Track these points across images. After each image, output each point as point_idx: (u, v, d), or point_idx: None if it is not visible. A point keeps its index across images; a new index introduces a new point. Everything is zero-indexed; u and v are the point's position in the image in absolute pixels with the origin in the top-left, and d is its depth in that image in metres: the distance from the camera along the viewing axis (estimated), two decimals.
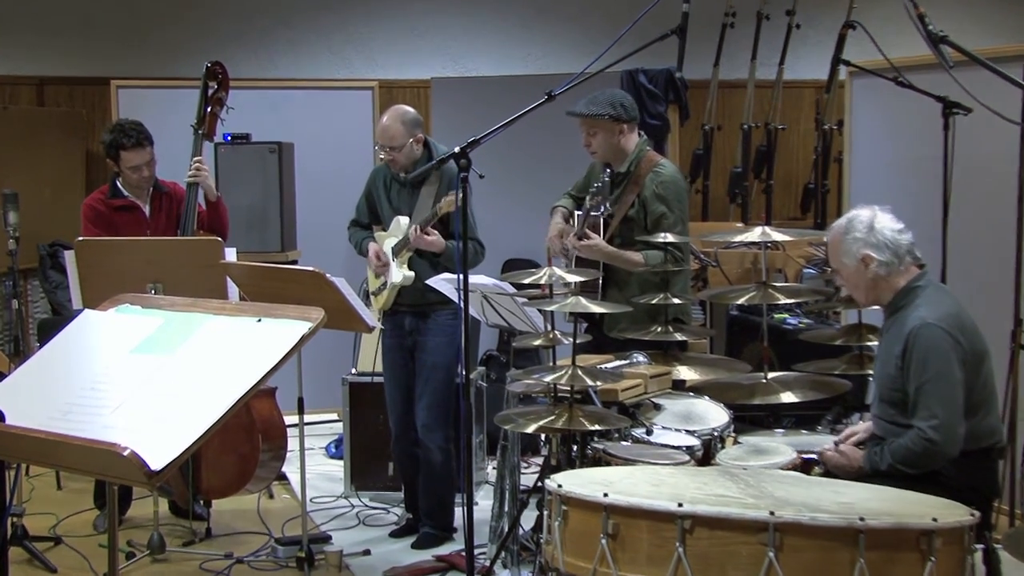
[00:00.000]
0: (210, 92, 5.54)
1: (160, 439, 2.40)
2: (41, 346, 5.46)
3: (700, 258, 6.66)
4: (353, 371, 6.02)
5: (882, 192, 5.35)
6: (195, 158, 5.39)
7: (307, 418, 4.94)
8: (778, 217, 8.61)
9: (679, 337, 4.52)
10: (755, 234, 4.36)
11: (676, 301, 4.50)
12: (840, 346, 4.50)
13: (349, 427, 5.94)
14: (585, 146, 4.91)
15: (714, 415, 4.32)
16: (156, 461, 2.35)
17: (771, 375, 4.34)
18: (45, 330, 6.99)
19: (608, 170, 4.81)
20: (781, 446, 4.05)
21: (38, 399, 2.72)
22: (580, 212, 4.90)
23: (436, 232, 4.95)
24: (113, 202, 5.34)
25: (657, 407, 4.34)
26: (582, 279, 4.17)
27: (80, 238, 4.99)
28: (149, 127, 5.38)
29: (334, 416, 7.04)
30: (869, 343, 4.40)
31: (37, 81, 8.39)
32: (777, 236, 4.42)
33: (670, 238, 4.52)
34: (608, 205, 4.74)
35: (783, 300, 4.43)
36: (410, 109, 5.11)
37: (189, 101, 5.63)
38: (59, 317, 7.26)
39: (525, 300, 4.52)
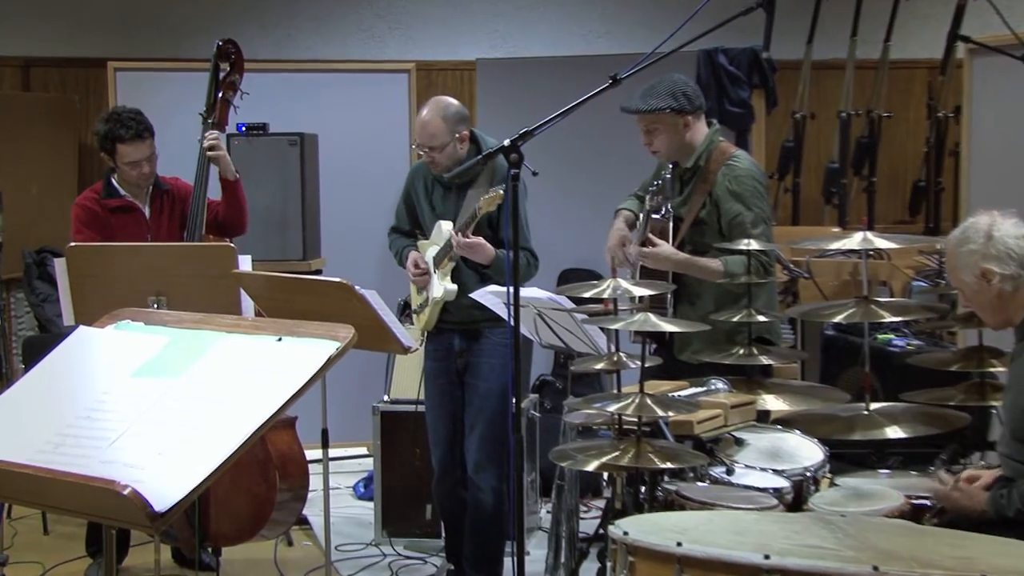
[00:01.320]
0: (221, 75, 5.57)
1: (165, 476, 2.43)
2: (27, 368, 5.51)
3: (789, 268, 6.63)
4: (386, 398, 6.04)
5: (1006, 191, 5.31)
6: (209, 133, 5.43)
7: (332, 452, 4.96)
8: (882, 221, 8.57)
9: (764, 361, 4.50)
10: (855, 241, 4.34)
11: (761, 318, 4.48)
12: (957, 372, 4.46)
13: (381, 463, 5.96)
14: (646, 146, 4.89)
15: (806, 452, 4.30)
16: (160, 501, 2.37)
17: (874, 406, 4.31)
18: (31, 349, 7.07)
19: (672, 164, 4.80)
20: (886, 490, 4.02)
21: (24, 429, 2.75)
22: (641, 215, 4.89)
23: (481, 238, 4.95)
24: (108, 202, 5.39)
25: (739, 442, 4.32)
26: (651, 292, 4.17)
27: (71, 244, 5.04)
28: (151, 115, 5.42)
29: (363, 450, 7.07)
30: (992, 369, 4.35)
31: (22, 62, 8.51)
32: (881, 243, 4.39)
33: (754, 244, 4.51)
34: (670, 206, 4.72)
35: (888, 318, 4.39)
36: (453, 101, 5.09)
37: (197, 86, 5.67)
38: (47, 335, 7.33)
39: (585, 317, 4.52)
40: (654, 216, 4.80)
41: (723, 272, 4.71)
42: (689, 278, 4.81)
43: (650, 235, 4.77)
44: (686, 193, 4.86)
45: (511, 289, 3.81)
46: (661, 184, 4.62)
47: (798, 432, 4.38)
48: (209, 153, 5.39)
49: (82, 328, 3.11)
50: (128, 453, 2.53)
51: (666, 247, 4.75)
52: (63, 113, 8.36)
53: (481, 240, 4.93)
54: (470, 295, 4.94)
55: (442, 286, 5.04)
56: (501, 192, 4.73)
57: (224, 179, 5.47)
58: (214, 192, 5.52)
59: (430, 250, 5.14)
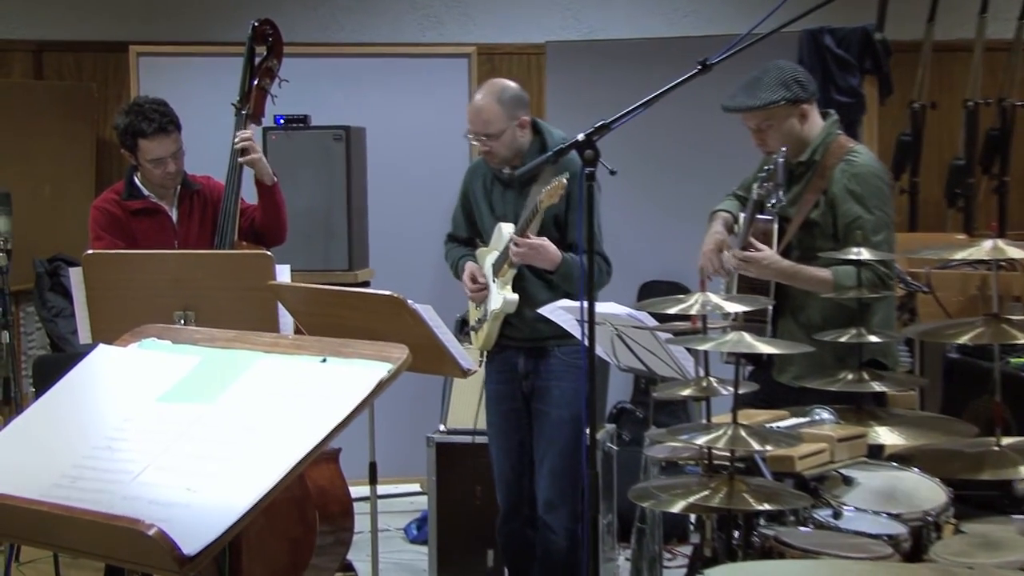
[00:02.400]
0: (257, 60, 5.64)
1: (195, 515, 2.45)
2: (39, 392, 5.56)
3: (907, 282, 6.59)
4: (442, 428, 6.07)
5: None
6: (241, 131, 5.48)
7: (381, 489, 4.99)
8: (1016, 226, 8.47)
9: (877, 388, 4.47)
10: (983, 249, 4.29)
11: (874, 339, 4.45)
12: None
13: (436, 501, 5.98)
14: (758, 146, 4.87)
15: (926, 494, 4.27)
16: (190, 543, 2.39)
17: (1006, 441, 4.27)
18: (43, 371, 7.15)
19: (784, 148, 4.77)
20: (1020, 538, 3.98)
21: (37, 461, 2.77)
22: (745, 213, 4.88)
23: (544, 238, 4.96)
24: (130, 204, 5.45)
25: (848, 481, 4.30)
26: (747, 308, 4.16)
27: (89, 251, 5.08)
28: (178, 106, 5.48)
29: (416, 487, 7.11)
30: None
31: (34, 46, 8.61)
32: (1014, 252, 4.34)
33: (864, 254, 4.47)
34: (782, 195, 4.70)
35: (1023, 339, 4.36)
36: (510, 83, 5.13)
37: (230, 73, 5.73)
38: (61, 354, 7.43)
39: (669, 336, 4.52)
40: (759, 217, 4.78)
41: (832, 284, 4.68)
42: (793, 289, 4.80)
43: (751, 239, 4.76)
44: (796, 191, 4.84)
45: (585, 304, 3.82)
46: (772, 169, 4.59)
47: (917, 470, 4.35)
48: (241, 159, 5.42)
49: (101, 347, 3.13)
50: (153, 488, 2.55)
51: (770, 253, 4.73)
52: (79, 104, 8.43)
53: (543, 241, 4.93)
54: (537, 311, 4.94)
55: (501, 296, 5.05)
56: (564, 181, 4.74)
57: (260, 183, 5.50)
58: (250, 193, 5.55)
59: (489, 257, 5.16)
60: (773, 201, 4.70)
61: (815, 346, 4.34)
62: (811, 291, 4.78)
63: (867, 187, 4.77)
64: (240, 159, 5.44)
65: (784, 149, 4.74)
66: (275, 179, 5.52)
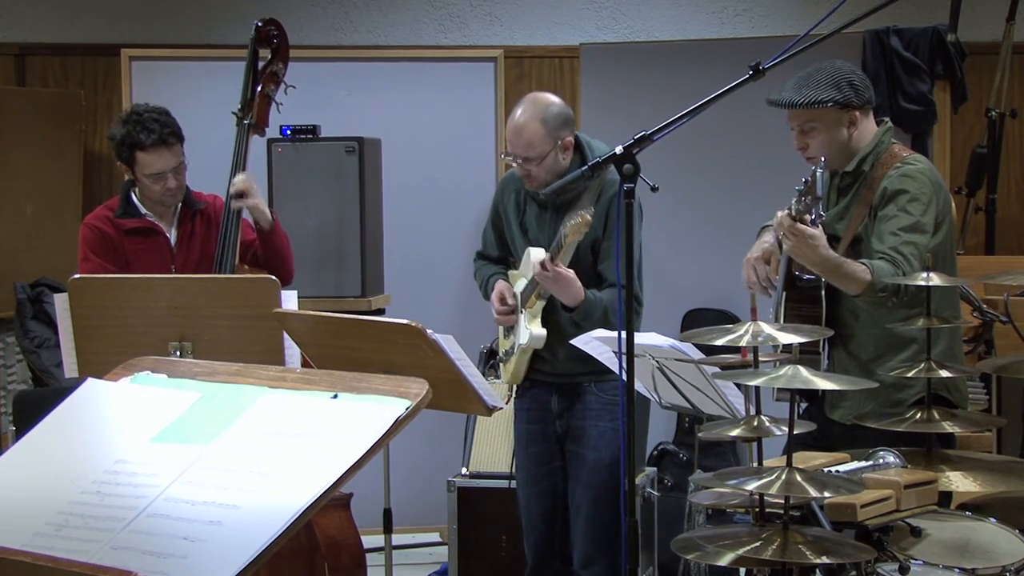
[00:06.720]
0: (260, 65, 5.65)
1: (192, 567, 2.46)
2: (20, 432, 5.58)
3: (982, 310, 6.55)
4: (464, 471, 6.07)
5: None
6: (236, 177, 5.49)
7: (396, 539, 4.99)
8: None
9: (948, 428, 4.47)
10: None
11: (944, 373, 4.45)
12: None
13: (457, 552, 5.98)
14: (799, 149, 4.85)
15: (1005, 546, 4.25)
16: None
17: None
18: (24, 407, 7.14)
19: (824, 158, 4.73)
20: None
21: (18, 508, 2.78)
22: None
23: (571, 272, 4.95)
24: (125, 222, 5.46)
25: (916, 533, 4.29)
26: (803, 338, 4.15)
27: (76, 276, 5.08)
28: (175, 115, 5.48)
29: (435, 536, 7.10)
30: None
31: (16, 50, 8.62)
32: None
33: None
34: (822, 210, 4.64)
35: None
36: (555, 99, 5.10)
37: (233, 79, 5.76)
38: (44, 389, 7.45)
39: (717, 370, 4.53)
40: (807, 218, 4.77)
41: (868, 279, 4.60)
42: (841, 313, 4.78)
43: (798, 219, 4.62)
44: (843, 204, 4.83)
45: (623, 335, 3.82)
46: (810, 182, 4.54)
47: (993, 520, 4.34)
48: (235, 204, 5.42)
49: (90, 381, 3.14)
50: (147, 538, 2.56)
51: (821, 235, 4.56)
52: (66, 112, 8.43)
53: (568, 274, 4.93)
54: (571, 342, 4.94)
55: (528, 331, 5.05)
56: (588, 217, 4.72)
57: (258, 226, 5.52)
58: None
59: (518, 284, 5.16)
60: (812, 217, 4.64)
61: (878, 382, 4.32)
62: (846, 289, 4.65)
63: (910, 183, 4.71)
64: (234, 205, 5.44)
65: (824, 159, 4.68)
66: (273, 219, 5.53)
